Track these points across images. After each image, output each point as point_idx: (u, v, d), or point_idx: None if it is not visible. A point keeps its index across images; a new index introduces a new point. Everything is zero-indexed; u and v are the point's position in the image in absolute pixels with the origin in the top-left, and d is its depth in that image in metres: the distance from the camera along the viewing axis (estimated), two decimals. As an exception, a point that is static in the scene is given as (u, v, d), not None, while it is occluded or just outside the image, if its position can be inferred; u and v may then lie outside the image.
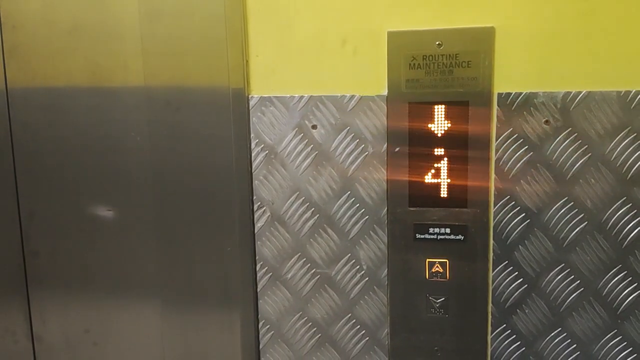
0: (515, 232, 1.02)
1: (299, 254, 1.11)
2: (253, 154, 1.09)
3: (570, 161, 0.99)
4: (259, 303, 1.14)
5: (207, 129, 1.10)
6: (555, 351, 1.04)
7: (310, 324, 1.13)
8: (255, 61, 1.07)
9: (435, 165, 1.02)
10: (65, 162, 1.17)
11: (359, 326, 1.11)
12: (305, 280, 1.11)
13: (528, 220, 1.01)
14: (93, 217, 1.18)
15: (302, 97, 1.06)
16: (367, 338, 1.11)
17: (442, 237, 1.04)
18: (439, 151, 1.02)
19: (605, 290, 1.01)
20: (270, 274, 1.13)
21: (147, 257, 1.17)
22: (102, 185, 1.17)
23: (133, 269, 1.18)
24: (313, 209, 1.09)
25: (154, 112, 1.11)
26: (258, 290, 1.14)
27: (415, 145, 1.02)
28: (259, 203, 1.10)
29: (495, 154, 1.01)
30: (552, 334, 1.04)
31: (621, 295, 1.01)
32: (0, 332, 1.27)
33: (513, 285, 1.04)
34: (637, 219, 0.98)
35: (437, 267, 1.06)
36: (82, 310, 1.22)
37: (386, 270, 1.08)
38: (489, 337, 1.07)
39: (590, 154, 0.98)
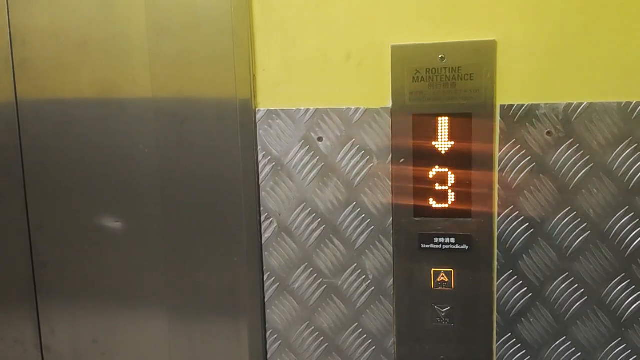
0: (519, 241, 1.03)
1: (306, 264, 1.12)
2: (260, 166, 1.11)
3: (573, 171, 1.00)
4: (267, 313, 1.15)
5: (214, 141, 1.11)
6: (561, 359, 1.05)
7: (317, 333, 1.14)
8: (262, 75, 1.09)
9: (440, 175, 1.04)
10: (74, 173, 1.19)
11: (365, 335, 1.12)
12: (312, 290, 1.13)
13: (532, 230, 1.03)
14: (101, 227, 1.19)
15: (308, 110, 1.07)
16: (374, 347, 1.12)
17: (447, 247, 1.05)
18: (443, 162, 1.03)
19: (609, 299, 1.02)
20: (278, 284, 1.14)
21: (154, 267, 1.18)
22: (110, 196, 1.18)
23: (141, 279, 1.19)
24: (319, 219, 1.10)
25: (162, 124, 1.13)
26: (265, 300, 1.15)
27: (420, 157, 1.04)
28: (266, 214, 1.12)
29: (499, 165, 1.02)
30: (557, 343, 1.05)
31: (625, 304, 1.02)
32: (9, 342, 1.28)
33: (518, 294, 1.05)
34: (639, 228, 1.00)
35: (442, 276, 1.07)
36: (91, 320, 1.23)
37: (392, 280, 1.09)
38: (495, 346, 1.07)
39: (592, 164, 0.99)
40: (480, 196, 1.03)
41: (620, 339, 1.03)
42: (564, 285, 1.03)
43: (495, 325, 1.07)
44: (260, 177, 1.11)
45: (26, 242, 1.23)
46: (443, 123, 1.02)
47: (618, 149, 0.98)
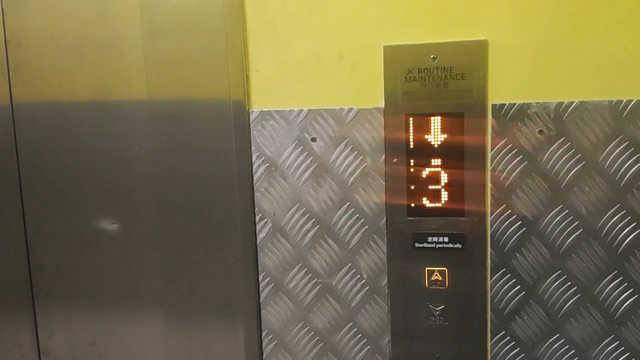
0: (512, 240, 1.04)
1: (301, 264, 1.13)
2: (254, 167, 1.11)
3: (565, 170, 1.01)
4: (262, 313, 1.16)
5: (209, 142, 1.12)
6: (554, 357, 1.06)
7: (312, 333, 1.14)
8: (256, 76, 1.09)
9: (433, 175, 1.04)
10: (70, 176, 1.19)
11: (360, 335, 1.12)
12: (307, 290, 1.13)
13: (524, 228, 1.03)
14: (98, 230, 1.19)
15: (301, 110, 1.08)
16: (369, 346, 1.13)
17: (440, 245, 1.06)
18: (436, 161, 1.04)
19: (602, 296, 1.03)
20: (273, 284, 1.14)
21: (151, 269, 1.19)
22: (107, 199, 1.18)
23: (138, 281, 1.20)
24: (313, 219, 1.11)
25: (157, 126, 1.13)
26: (261, 300, 1.15)
27: (413, 156, 1.04)
28: (261, 215, 1.12)
29: (491, 164, 1.03)
30: (551, 340, 1.05)
31: (618, 301, 1.02)
32: (7, 345, 1.28)
33: (511, 293, 1.05)
34: (631, 226, 1.00)
35: (436, 275, 1.07)
36: (88, 323, 1.24)
37: (386, 279, 1.10)
38: (489, 344, 1.08)
39: (583, 163, 1.00)
40: (473, 195, 1.03)
41: (613, 336, 1.03)
42: (557, 283, 1.04)
43: (489, 323, 1.07)
44: (255, 178, 1.11)
45: (23, 245, 1.23)
46: (435, 122, 1.03)
47: (609, 147, 0.99)
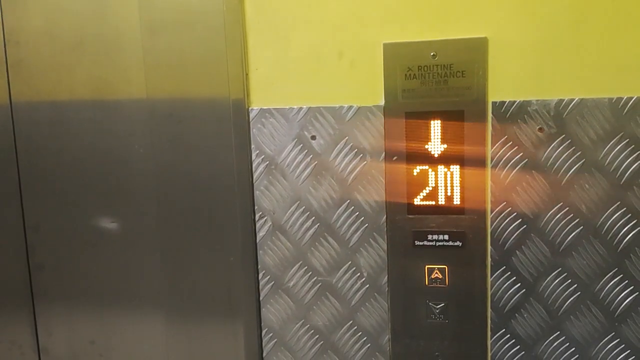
0: (512, 237, 1.04)
1: (300, 262, 1.12)
2: (254, 165, 1.11)
3: (565, 167, 1.00)
4: (262, 311, 1.15)
5: (208, 140, 1.12)
6: (554, 355, 1.05)
7: (312, 331, 1.14)
8: (255, 74, 1.09)
9: (433, 172, 1.04)
10: (69, 174, 1.19)
11: (360, 333, 1.12)
12: (307, 288, 1.13)
13: (525, 226, 1.03)
14: (97, 229, 1.19)
15: (301, 108, 1.08)
16: (369, 344, 1.13)
17: (440, 243, 1.06)
18: (436, 159, 1.03)
19: (602, 294, 1.03)
20: (273, 282, 1.14)
21: (151, 268, 1.18)
22: (106, 198, 1.18)
23: (137, 280, 1.20)
24: (313, 218, 1.10)
25: (157, 124, 1.13)
26: (261, 298, 1.15)
27: (413, 154, 1.04)
28: (261, 213, 1.12)
29: (491, 161, 1.02)
30: (551, 338, 1.05)
31: (618, 299, 1.02)
32: (7, 344, 1.28)
33: (511, 290, 1.05)
34: (632, 223, 1.00)
35: (437, 273, 1.07)
36: (88, 322, 1.24)
37: (386, 277, 1.10)
38: (489, 342, 1.08)
39: (584, 160, 1.00)
40: (473, 193, 1.03)
41: (613, 333, 1.03)
42: (557, 281, 1.03)
43: (489, 321, 1.07)
44: (254, 176, 1.11)
45: (22, 244, 1.23)
46: (435, 120, 1.02)
47: (609, 145, 0.99)
